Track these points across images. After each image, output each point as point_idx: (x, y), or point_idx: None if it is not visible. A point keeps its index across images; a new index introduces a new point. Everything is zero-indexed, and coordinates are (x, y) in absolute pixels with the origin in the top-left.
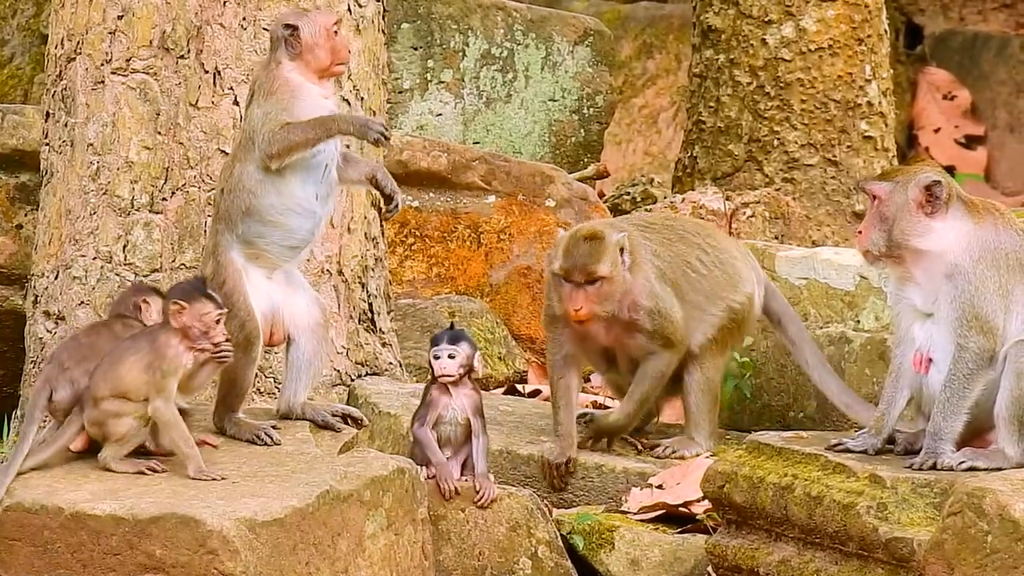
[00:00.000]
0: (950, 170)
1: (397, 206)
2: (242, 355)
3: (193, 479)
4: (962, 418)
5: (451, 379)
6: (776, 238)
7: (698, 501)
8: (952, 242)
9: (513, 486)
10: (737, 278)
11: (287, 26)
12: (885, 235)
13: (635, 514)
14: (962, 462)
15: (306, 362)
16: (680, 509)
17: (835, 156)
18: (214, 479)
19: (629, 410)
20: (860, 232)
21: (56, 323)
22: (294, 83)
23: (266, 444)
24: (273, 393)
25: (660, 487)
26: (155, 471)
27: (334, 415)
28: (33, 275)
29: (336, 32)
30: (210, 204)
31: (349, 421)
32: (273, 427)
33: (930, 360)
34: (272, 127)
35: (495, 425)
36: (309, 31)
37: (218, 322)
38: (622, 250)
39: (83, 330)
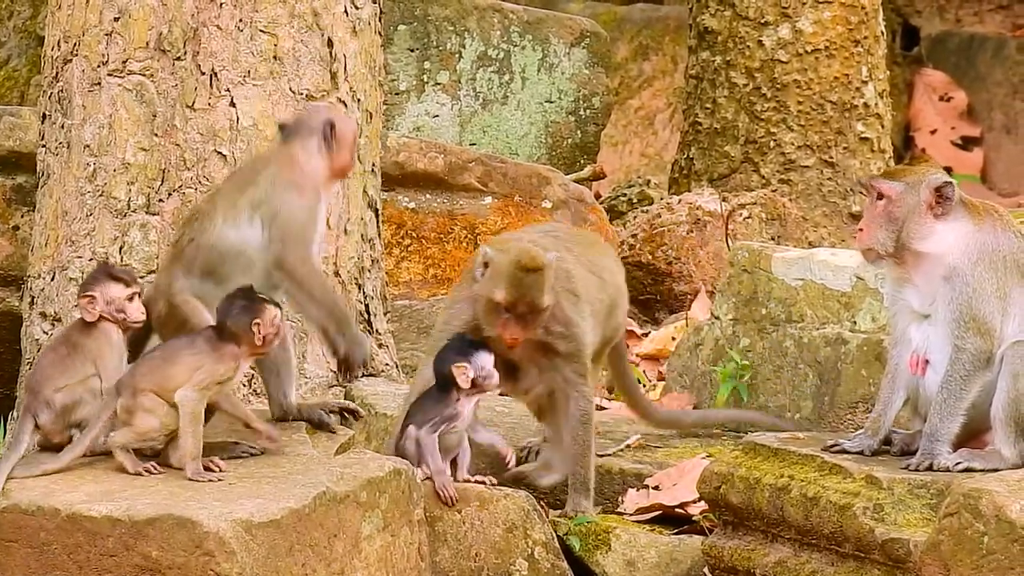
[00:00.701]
0: (947, 171)
1: (349, 371)
2: None
3: (190, 479)
4: (959, 419)
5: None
6: (772, 239)
7: (694, 502)
8: (952, 244)
9: (510, 487)
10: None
11: (329, 121)
12: (894, 236)
13: (631, 515)
14: (958, 463)
15: (283, 361)
16: (676, 510)
17: (831, 157)
18: (210, 480)
19: (583, 471)
20: (861, 230)
21: (52, 324)
22: (319, 181)
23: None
24: None
25: (656, 488)
26: (151, 473)
27: (331, 412)
28: (29, 276)
29: (356, 138)
30: None
31: (346, 415)
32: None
33: (927, 362)
34: (303, 245)
35: (491, 426)
36: (342, 131)
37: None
38: None
39: (43, 351)
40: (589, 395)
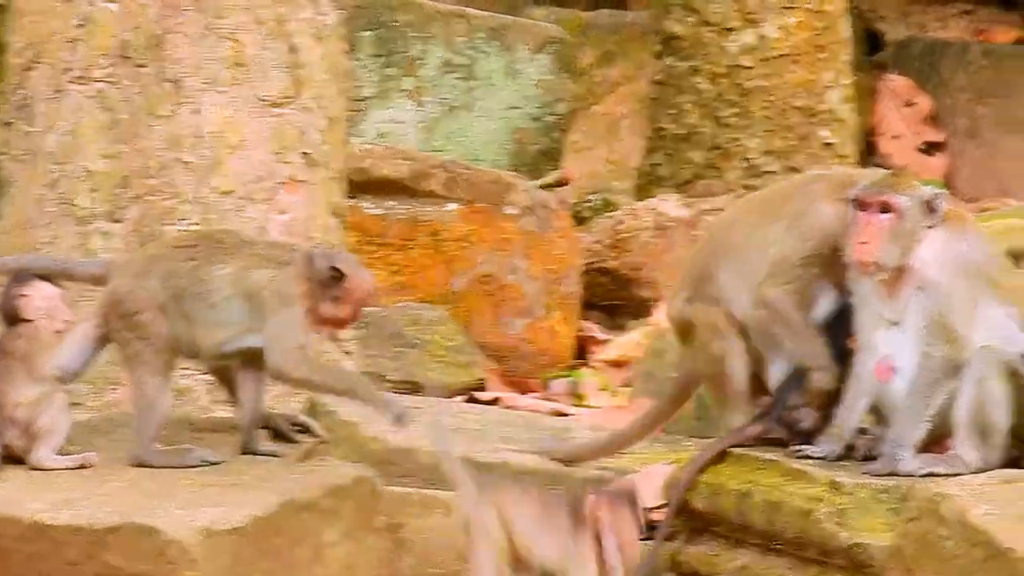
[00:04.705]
0: None
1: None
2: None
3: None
4: (924, 426)
5: None
6: None
7: (659, 508)
8: (928, 254)
9: None
10: None
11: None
12: (901, 249)
13: None
14: (921, 468)
15: (261, 368)
16: None
17: (796, 163)
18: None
19: None
20: (865, 243)
21: None
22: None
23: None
24: None
25: None
26: None
27: (293, 424)
28: None
29: None
30: (167, 214)
31: (302, 429)
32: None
33: (893, 368)
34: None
35: (459, 432)
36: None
37: None
38: None
39: None
40: None
